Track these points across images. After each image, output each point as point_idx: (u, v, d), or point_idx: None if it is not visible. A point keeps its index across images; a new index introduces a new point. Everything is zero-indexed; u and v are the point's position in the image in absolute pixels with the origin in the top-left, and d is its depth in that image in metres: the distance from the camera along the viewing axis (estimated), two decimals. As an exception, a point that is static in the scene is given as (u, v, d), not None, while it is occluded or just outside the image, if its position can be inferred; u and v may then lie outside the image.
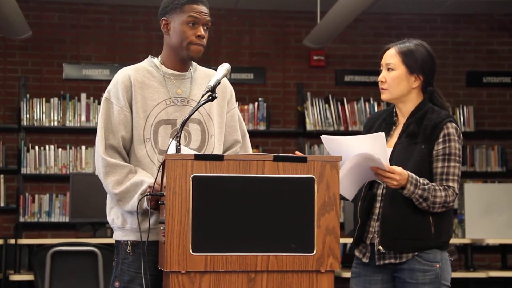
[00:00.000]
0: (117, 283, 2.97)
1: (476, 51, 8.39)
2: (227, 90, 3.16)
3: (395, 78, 3.05)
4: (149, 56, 3.11)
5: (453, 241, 6.78)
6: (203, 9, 3.03)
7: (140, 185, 2.91)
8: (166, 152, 2.79)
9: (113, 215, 3.03)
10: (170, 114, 2.99)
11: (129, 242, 2.96)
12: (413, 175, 2.91)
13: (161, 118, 2.98)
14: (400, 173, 2.88)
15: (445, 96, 3.17)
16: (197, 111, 2.95)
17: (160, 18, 3.04)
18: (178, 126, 2.96)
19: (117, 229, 3.02)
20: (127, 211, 2.95)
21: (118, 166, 2.95)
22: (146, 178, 2.93)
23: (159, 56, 3.10)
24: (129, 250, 2.96)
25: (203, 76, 3.09)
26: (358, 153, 2.83)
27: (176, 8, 2.99)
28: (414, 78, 3.06)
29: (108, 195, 3.04)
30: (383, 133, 2.91)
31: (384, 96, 3.08)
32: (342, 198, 2.98)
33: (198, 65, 3.13)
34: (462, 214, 6.89)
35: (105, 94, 3.03)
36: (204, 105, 2.93)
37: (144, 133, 2.97)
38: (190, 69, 3.08)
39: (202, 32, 3.01)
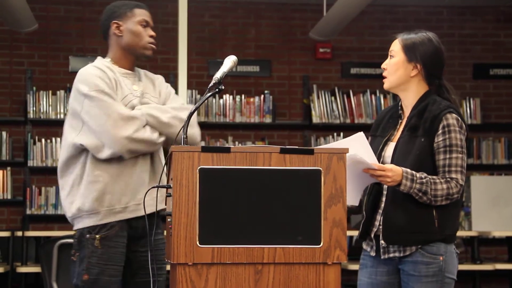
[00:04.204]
0: (85, 276, 3.05)
1: (483, 43, 8.36)
2: (162, 86, 3.35)
3: (393, 65, 3.05)
4: (99, 57, 3.29)
5: (459, 233, 6.76)
6: (149, 14, 3.28)
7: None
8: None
9: (77, 204, 3.09)
10: (134, 107, 3.16)
11: (97, 236, 3.05)
12: (408, 170, 2.89)
13: None
14: (391, 169, 2.86)
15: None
16: (149, 100, 3.20)
17: (109, 23, 3.23)
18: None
19: (86, 216, 3.08)
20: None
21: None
22: None
23: (107, 58, 3.26)
24: (97, 244, 3.05)
25: (144, 75, 3.31)
26: None
27: (126, 12, 3.23)
28: (412, 67, 3.04)
29: (63, 187, 3.14)
30: (362, 133, 2.92)
31: (385, 85, 3.09)
32: (351, 211, 2.99)
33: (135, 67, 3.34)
34: (469, 206, 6.89)
35: (94, 88, 3.09)
36: (152, 95, 3.21)
37: None
38: (135, 70, 3.30)
39: (153, 33, 3.26)
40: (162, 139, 3.14)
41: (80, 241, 3.10)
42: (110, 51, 3.27)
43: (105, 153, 3.05)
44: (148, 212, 3.08)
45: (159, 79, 3.35)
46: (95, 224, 3.07)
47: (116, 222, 3.09)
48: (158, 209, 3.00)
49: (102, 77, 3.11)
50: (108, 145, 3.04)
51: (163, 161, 3.25)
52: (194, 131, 3.19)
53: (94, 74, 3.13)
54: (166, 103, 3.26)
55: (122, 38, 3.22)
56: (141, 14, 3.24)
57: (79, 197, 3.09)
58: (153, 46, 3.25)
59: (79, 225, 3.12)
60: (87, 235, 3.07)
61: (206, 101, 3.22)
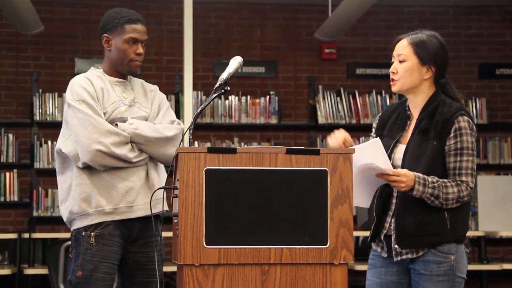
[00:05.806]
0: (80, 272, 3.10)
1: (489, 43, 8.34)
2: (158, 95, 3.39)
3: (407, 69, 3.02)
4: (92, 67, 3.34)
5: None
6: (142, 28, 3.29)
7: None
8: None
9: (68, 207, 3.16)
10: (122, 113, 3.20)
11: (92, 234, 3.10)
12: (420, 175, 2.88)
13: (116, 116, 3.19)
14: (405, 174, 2.86)
15: (457, 88, 3.13)
16: (139, 109, 3.23)
17: (102, 34, 3.29)
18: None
19: (78, 218, 3.14)
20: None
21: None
22: None
23: (100, 67, 3.33)
24: (92, 241, 3.11)
25: (138, 85, 3.36)
26: (358, 164, 2.83)
27: (117, 27, 3.26)
28: (426, 69, 3.03)
29: (62, 190, 3.20)
30: (378, 139, 2.93)
31: (395, 88, 3.06)
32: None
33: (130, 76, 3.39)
34: (475, 206, 6.88)
35: (76, 98, 3.15)
36: (143, 105, 3.25)
37: None
38: (128, 78, 3.34)
39: (141, 50, 3.28)
40: (142, 157, 3.17)
41: (77, 239, 3.16)
42: (104, 59, 3.35)
43: (80, 163, 3.13)
44: (143, 214, 3.12)
45: (154, 90, 3.38)
46: (88, 224, 3.14)
47: (110, 222, 3.14)
48: (154, 212, 3.06)
49: (86, 87, 3.17)
50: (81, 156, 3.10)
51: (159, 166, 3.27)
52: (172, 151, 3.19)
53: (79, 83, 3.19)
54: (158, 116, 3.29)
55: (110, 52, 3.29)
56: (131, 31, 3.25)
57: (71, 200, 3.17)
58: (137, 64, 3.28)
59: (73, 226, 3.20)
60: (83, 233, 3.14)
61: (211, 102, 3.25)
